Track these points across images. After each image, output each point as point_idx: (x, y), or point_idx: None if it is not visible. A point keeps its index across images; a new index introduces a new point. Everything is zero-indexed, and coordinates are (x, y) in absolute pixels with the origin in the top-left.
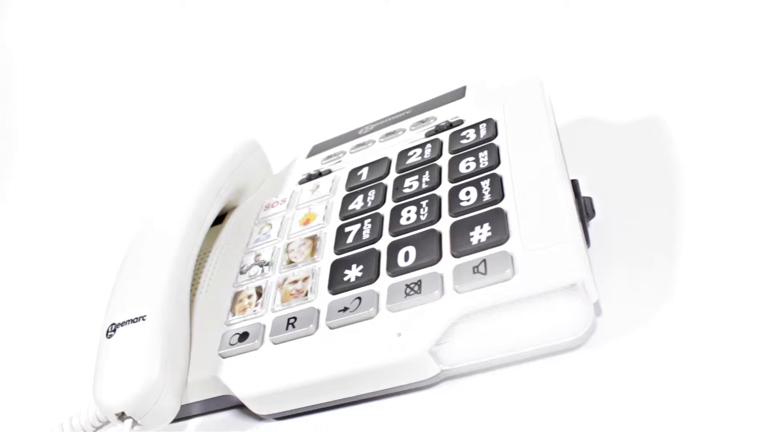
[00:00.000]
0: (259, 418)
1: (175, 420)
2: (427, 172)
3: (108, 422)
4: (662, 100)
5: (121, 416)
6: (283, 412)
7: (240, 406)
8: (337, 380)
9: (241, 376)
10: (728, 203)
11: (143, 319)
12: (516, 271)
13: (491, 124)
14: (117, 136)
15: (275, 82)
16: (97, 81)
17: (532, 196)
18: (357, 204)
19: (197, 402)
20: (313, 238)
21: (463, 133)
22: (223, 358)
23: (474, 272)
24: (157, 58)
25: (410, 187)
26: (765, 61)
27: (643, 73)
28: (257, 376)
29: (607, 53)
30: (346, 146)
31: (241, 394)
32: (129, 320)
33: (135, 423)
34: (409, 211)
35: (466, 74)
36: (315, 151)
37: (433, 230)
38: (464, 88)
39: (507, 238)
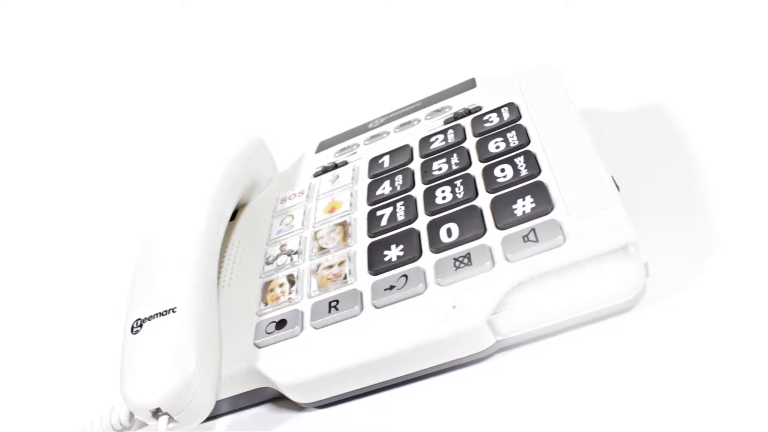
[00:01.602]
0: (298, 408)
1: (207, 419)
2: (455, 155)
3: (127, 428)
4: (662, 93)
5: (156, 413)
6: (326, 399)
7: (273, 400)
8: (387, 359)
9: (282, 364)
10: (749, 172)
11: (173, 311)
12: (567, 237)
13: (513, 108)
14: (116, 136)
15: (271, 82)
16: (97, 79)
17: (568, 168)
18: (384, 189)
19: (231, 397)
20: (343, 224)
21: (485, 118)
22: (259, 348)
23: (525, 241)
24: (154, 57)
25: (439, 169)
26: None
27: (642, 70)
28: (299, 362)
29: (606, 53)
30: (359, 139)
31: (283, 383)
32: (157, 314)
33: (171, 419)
34: (443, 191)
35: (465, 73)
36: (323, 146)
37: (474, 206)
38: (473, 79)
39: (552, 207)
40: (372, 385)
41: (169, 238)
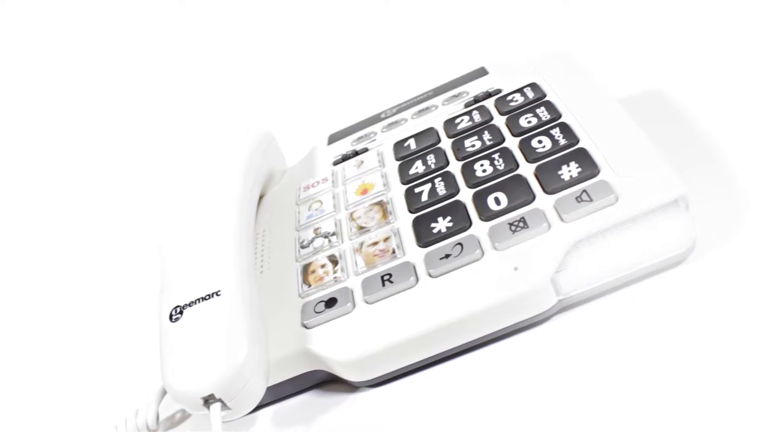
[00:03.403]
0: (350, 390)
1: (256, 408)
2: (486, 132)
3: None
4: (663, 85)
5: (207, 401)
6: (384, 375)
7: (320, 386)
8: (448, 328)
9: (336, 342)
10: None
11: (217, 295)
12: (618, 195)
13: (536, 87)
14: (114, 135)
15: (269, 82)
16: (97, 76)
17: (605, 134)
18: (417, 168)
19: (277, 385)
20: (380, 203)
21: (509, 98)
22: (308, 328)
23: (578, 201)
24: (150, 56)
25: (473, 146)
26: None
27: (641, 66)
28: (355, 339)
29: (605, 52)
30: (374, 128)
31: (341, 361)
32: (199, 299)
33: (224, 406)
34: (482, 165)
35: (462, 68)
36: (335, 138)
37: (519, 175)
38: (483, 68)
39: (598, 170)
40: (431, 357)
41: (201, 223)
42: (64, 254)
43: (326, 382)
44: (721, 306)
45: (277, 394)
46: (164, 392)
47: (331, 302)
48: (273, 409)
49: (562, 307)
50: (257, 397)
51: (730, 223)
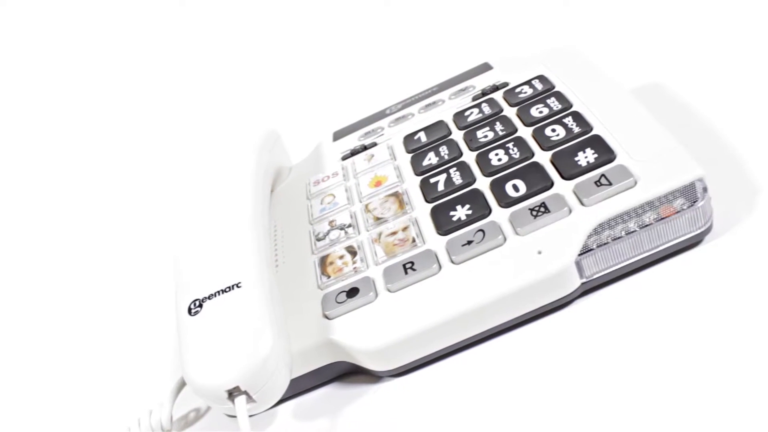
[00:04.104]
0: (372, 380)
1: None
2: (497, 123)
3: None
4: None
5: (231, 395)
6: (408, 364)
7: (341, 378)
8: (473, 313)
9: (360, 332)
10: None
11: (238, 287)
12: (637, 179)
13: (544, 79)
14: (117, 135)
15: (267, 81)
16: (102, 77)
17: (618, 121)
18: (431, 160)
19: (298, 378)
20: (396, 195)
21: (518, 90)
22: (330, 319)
23: (598, 186)
24: (147, 56)
25: (485, 137)
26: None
27: (641, 63)
28: (379, 328)
29: (605, 50)
30: (381, 123)
31: (365, 350)
32: (218, 291)
33: (250, 398)
34: (497, 154)
35: (459, 67)
36: (339, 135)
37: (535, 162)
38: (486, 63)
39: (615, 156)
40: (455, 344)
41: (216, 217)
42: (75, 255)
43: (346, 374)
44: (742, 284)
45: (297, 388)
46: (178, 391)
47: (352, 292)
48: (293, 403)
49: (585, 290)
50: (281, 390)
51: (744, 204)
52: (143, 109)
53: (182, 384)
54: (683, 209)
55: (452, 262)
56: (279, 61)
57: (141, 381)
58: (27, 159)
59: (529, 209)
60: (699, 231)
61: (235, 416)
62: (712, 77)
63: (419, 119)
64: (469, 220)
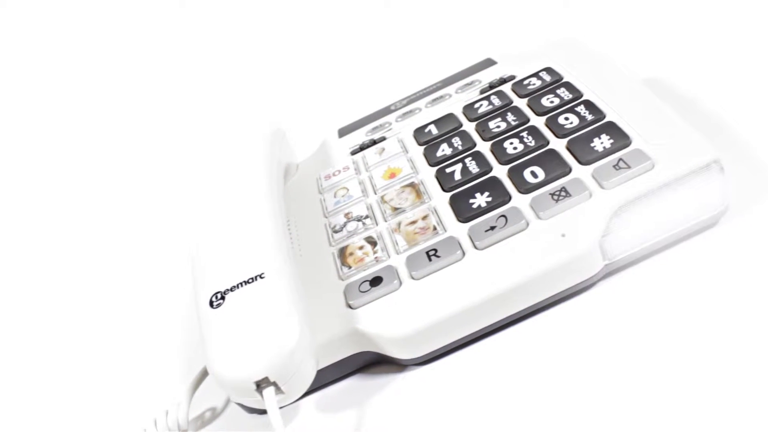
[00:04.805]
0: (397, 369)
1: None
2: (509, 113)
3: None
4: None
5: (259, 386)
6: (434, 351)
7: (365, 369)
8: (500, 296)
9: (386, 320)
10: None
11: (261, 277)
12: (655, 162)
13: (551, 71)
14: (121, 135)
15: (265, 81)
16: (106, 76)
17: (630, 107)
18: (444, 151)
19: (324, 368)
20: (412, 185)
21: (526, 82)
22: (354, 308)
23: (616, 169)
24: (145, 56)
25: (498, 127)
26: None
27: (640, 63)
28: (405, 315)
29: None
30: (388, 118)
31: (392, 338)
32: (241, 282)
33: (278, 389)
34: (512, 143)
35: (464, 65)
36: (345, 131)
37: (552, 149)
38: (489, 58)
39: (630, 140)
40: (480, 330)
41: (234, 210)
42: (85, 254)
43: (368, 366)
44: (760, 263)
45: (320, 380)
46: (194, 390)
47: (376, 281)
48: (317, 396)
49: (607, 273)
50: (309, 380)
51: (758, 187)
52: (146, 108)
53: (198, 383)
54: (700, 190)
55: (475, 248)
56: (279, 61)
57: (152, 380)
58: (40, 155)
59: (550, 194)
60: (716, 212)
61: (257, 411)
62: (716, 73)
63: (427, 113)
64: (490, 207)
